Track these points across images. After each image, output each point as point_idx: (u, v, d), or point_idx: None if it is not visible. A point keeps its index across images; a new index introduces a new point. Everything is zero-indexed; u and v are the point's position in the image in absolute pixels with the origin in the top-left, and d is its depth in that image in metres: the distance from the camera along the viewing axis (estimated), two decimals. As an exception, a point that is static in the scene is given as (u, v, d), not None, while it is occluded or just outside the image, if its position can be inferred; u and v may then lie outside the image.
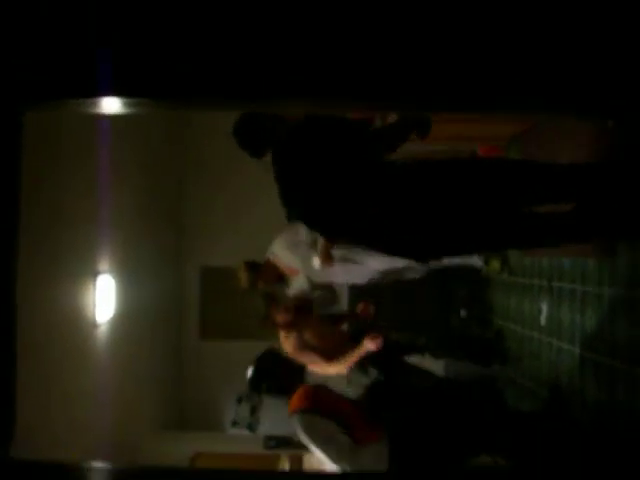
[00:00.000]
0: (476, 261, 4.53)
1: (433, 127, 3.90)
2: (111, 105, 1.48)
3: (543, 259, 3.89)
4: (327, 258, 4.10)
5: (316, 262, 4.13)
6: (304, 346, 3.99)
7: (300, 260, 4.20)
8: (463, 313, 5.31)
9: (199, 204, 6.90)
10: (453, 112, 2.73)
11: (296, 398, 3.23)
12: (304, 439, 3.11)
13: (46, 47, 1.55)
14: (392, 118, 3.41)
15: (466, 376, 4.53)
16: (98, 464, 1.44)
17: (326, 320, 4.26)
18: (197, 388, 6.81)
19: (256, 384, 3.45)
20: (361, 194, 2.75)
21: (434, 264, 4.26)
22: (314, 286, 4.33)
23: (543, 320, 3.88)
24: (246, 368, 4.85)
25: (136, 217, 5.34)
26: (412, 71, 1.54)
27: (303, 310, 4.16)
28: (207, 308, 6.96)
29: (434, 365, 4.48)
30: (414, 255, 3.09)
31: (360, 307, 4.27)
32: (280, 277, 4.34)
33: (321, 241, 4.03)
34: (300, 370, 3.57)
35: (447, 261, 4.33)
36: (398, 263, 4.15)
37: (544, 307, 3.87)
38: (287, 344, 4.03)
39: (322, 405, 3.17)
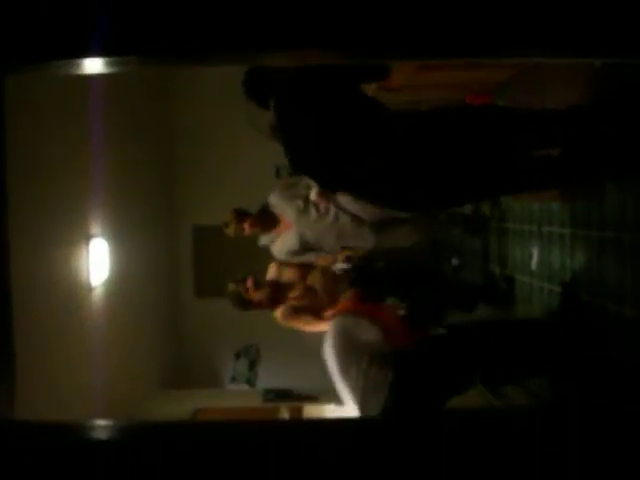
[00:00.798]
0: (466, 208, 4.51)
1: (421, 75, 3.88)
2: (97, 65, 1.46)
3: (533, 204, 3.91)
4: (324, 195, 3.99)
5: (313, 194, 4.02)
6: (292, 312, 4.01)
7: (295, 212, 4.11)
8: (455, 262, 5.35)
9: (190, 163, 6.87)
10: (441, 59, 2.70)
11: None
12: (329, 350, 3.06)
13: (27, 7, 1.52)
14: None
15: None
16: (101, 422, 1.47)
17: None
18: (194, 346, 6.89)
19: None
20: (361, 145, 2.77)
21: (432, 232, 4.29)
22: (304, 245, 4.19)
23: (534, 265, 3.93)
24: (241, 325, 4.89)
25: (127, 179, 5.32)
26: (398, 18, 1.52)
27: (279, 288, 4.13)
28: (201, 266, 6.99)
29: None
30: (411, 207, 3.11)
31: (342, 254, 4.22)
32: (270, 226, 4.22)
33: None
34: None
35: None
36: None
37: (535, 252, 3.91)
38: (277, 315, 4.06)
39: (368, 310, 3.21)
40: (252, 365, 4.62)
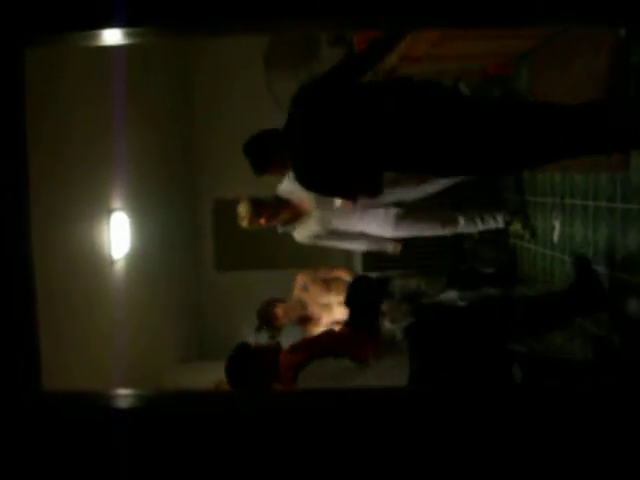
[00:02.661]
0: (499, 223, 4.35)
1: (442, 46, 3.83)
2: (116, 36, 1.46)
3: (555, 176, 3.87)
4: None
5: (337, 201, 3.88)
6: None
7: (315, 197, 3.89)
8: (476, 235, 5.32)
9: (211, 137, 6.86)
10: (455, 28, 2.67)
11: (285, 366, 3.04)
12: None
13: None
14: None
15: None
16: (126, 390, 1.49)
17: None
18: (216, 319, 6.93)
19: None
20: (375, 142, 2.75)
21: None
22: (328, 229, 4.07)
23: (556, 237, 3.89)
24: (261, 297, 4.93)
25: (148, 153, 5.32)
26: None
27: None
28: (221, 240, 7.01)
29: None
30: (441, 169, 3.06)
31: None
32: (289, 216, 4.08)
33: None
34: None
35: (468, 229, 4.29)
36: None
37: (557, 224, 3.87)
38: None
39: (313, 349, 3.04)
40: (272, 338, 4.64)
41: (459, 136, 2.70)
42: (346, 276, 4.36)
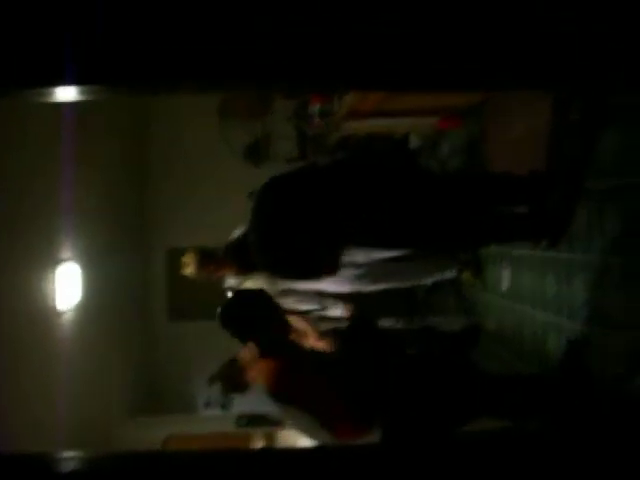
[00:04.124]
0: (451, 274, 4.41)
1: (391, 101, 3.93)
2: (69, 93, 1.46)
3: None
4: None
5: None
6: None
7: None
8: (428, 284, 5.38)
9: (164, 186, 6.85)
10: (411, 90, 2.77)
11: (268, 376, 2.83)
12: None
13: (5, 35, 1.52)
14: None
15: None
16: (70, 453, 1.45)
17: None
18: (167, 371, 6.81)
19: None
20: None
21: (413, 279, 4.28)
22: (276, 291, 3.85)
23: (505, 286, 3.96)
24: (215, 348, 4.83)
25: (99, 202, 5.28)
26: (362, 49, 1.55)
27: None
28: (174, 290, 6.94)
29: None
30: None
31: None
32: (235, 272, 3.82)
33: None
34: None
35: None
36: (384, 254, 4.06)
37: (506, 273, 3.95)
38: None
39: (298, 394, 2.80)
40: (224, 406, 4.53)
41: (411, 212, 2.85)
42: (302, 324, 4.25)
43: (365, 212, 2.84)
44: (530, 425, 2.81)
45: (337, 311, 4.20)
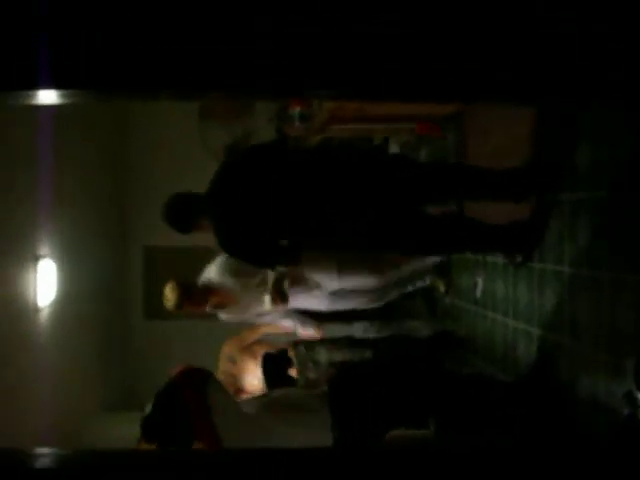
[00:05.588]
0: (424, 282, 4.47)
1: (371, 107, 3.97)
2: (49, 97, 1.49)
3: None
4: (279, 296, 3.69)
5: (267, 301, 3.70)
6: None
7: (240, 287, 3.86)
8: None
9: (141, 183, 6.83)
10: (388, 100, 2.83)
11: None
12: None
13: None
14: None
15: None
16: (44, 449, 1.48)
17: None
18: (143, 368, 6.80)
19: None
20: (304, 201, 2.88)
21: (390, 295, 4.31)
22: (254, 315, 4.00)
23: (478, 293, 4.03)
24: (190, 346, 4.82)
25: (77, 199, 5.27)
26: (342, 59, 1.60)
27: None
28: (150, 287, 6.93)
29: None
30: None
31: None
32: (215, 304, 3.94)
33: (271, 276, 3.60)
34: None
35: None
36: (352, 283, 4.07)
37: (480, 281, 4.02)
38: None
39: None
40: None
41: (377, 206, 2.89)
42: (271, 329, 4.30)
43: (329, 204, 2.89)
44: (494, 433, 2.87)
45: (309, 332, 4.21)
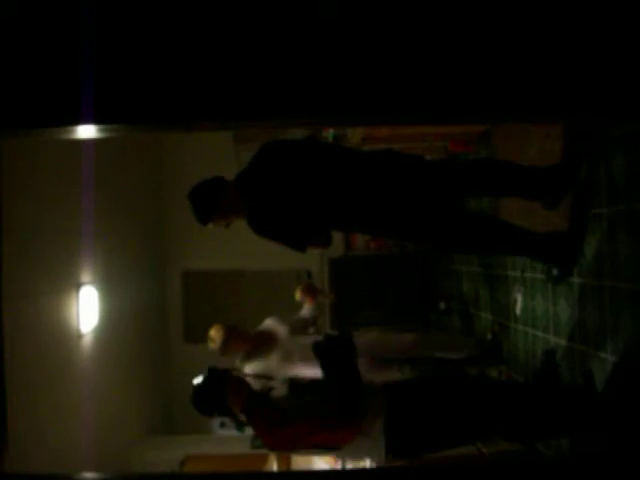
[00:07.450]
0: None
1: (404, 127, 4.01)
2: (88, 131, 1.54)
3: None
4: (309, 292, 3.96)
5: (298, 294, 4.00)
6: None
7: (288, 338, 3.93)
8: (442, 305, 5.41)
9: (179, 209, 6.93)
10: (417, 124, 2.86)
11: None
12: None
13: (21, 75, 1.60)
14: None
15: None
16: (90, 474, 1.50)
17: None
18: (184, 391, 6.85)
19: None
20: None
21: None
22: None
23: (518, 310, 3.99)
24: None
25: (117, 226, 5.37)
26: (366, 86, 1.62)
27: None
28: (190, 311, 7.01)
29: None
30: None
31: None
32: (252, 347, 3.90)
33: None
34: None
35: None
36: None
37: (519, 297, 3.97)
38: None
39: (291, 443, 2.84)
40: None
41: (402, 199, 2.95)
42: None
43: (367, 197, 2.94)
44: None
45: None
